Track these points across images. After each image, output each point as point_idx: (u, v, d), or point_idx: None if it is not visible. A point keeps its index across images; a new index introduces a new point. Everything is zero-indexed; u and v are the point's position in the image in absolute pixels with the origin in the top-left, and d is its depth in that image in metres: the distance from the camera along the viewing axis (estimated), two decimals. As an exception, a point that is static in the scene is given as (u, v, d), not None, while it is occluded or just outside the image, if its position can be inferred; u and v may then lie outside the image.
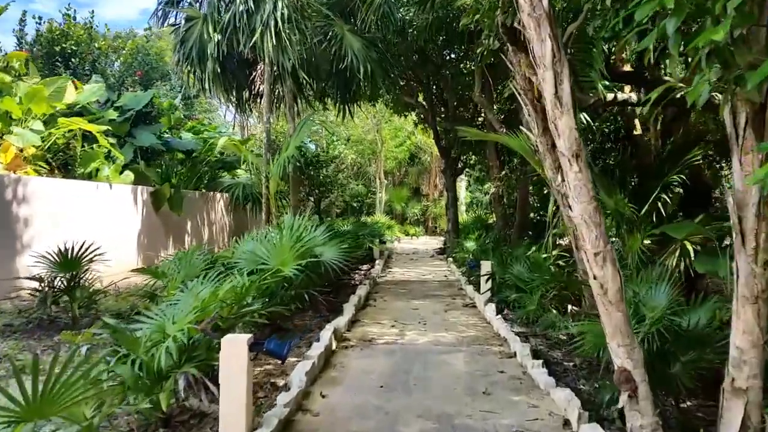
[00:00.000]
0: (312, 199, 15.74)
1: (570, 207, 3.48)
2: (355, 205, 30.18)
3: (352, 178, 29.73)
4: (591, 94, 6.54)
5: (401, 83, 16.71)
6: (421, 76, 15.73)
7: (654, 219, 7.06)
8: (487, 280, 8.69)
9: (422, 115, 18.06)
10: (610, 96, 7.03)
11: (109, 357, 3.37)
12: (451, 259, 14.86)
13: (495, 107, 14.99)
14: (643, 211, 6.94)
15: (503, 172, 14.74)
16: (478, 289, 9.31)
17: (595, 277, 3.28)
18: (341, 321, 6.16)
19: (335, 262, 6.86)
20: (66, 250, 6.05)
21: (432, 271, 13.23)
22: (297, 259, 6.04)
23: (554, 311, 6.77)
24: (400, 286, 10.57)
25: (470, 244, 13.39)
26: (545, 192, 14.78)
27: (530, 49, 3.55)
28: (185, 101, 21.27)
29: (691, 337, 3.92)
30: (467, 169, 17.85)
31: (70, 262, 6.03)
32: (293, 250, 6.10)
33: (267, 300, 5.52)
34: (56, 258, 6.03)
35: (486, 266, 8.94)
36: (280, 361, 4.26)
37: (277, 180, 8.81)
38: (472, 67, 15.47)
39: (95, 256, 6.17)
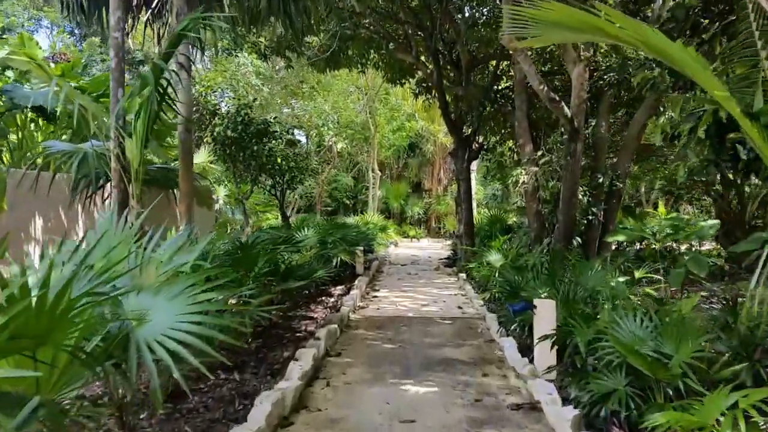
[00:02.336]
0: (276, 192, 11.37)
1: None
2: (347, 202, 25.79)
3: (342, 170, 25.38)
4: None
5: (399, 36, 12.37)
6: (424, 21, 11.34)
7: None
8: (553, 346, 4.35)
9: (425, 82, 13.69)
10: None
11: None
12: (464, 275, 10.52)
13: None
14: None
15: (539, 153, 10.38)
16: (526, 350, 5.00)
17: None
18: None
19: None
20: None
21: (439, 296, 8.88)
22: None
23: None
24: (386, 333, 6.22)
25: (495, 257, 9.04)
26: (599, 180, 10.43)
27: None
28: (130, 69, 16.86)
29: None
30: (484, 152, 13.47)
31: None
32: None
33: None
34: None
35: (547, 315, 4.60)
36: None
37: (140, 144, 4.48)
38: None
39: None
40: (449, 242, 18.79)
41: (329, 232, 9.09)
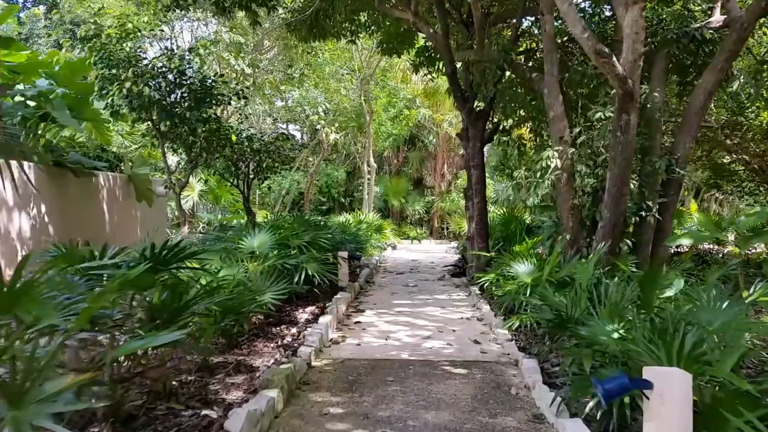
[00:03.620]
0: (237, 182, 8.96)
1: None
2: (342, 199, 23.35)
3: (337, 164, 22.97)
4: None
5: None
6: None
7: None
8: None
9: (428, 50, 11.27)
10: None
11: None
12: (477, 289, 8.10)
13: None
14: None
15: (577, 131, 7.92)
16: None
17: None
18: None
19: None
20: None
21: (446, 322, 6.43)
22: None
23: None
24: (362, 400, 3.78)
25: (523, 268, 6.62)
26: (655, 165, 7.99)
27: None
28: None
29: None
30: (501, 133, 10.95)
31: None
32: None
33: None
34: None
35: (675, 400, 2.17)
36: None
37: None
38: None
39: None
40: (454, 245, 16.38)
41: (294, 234, 6.66)
